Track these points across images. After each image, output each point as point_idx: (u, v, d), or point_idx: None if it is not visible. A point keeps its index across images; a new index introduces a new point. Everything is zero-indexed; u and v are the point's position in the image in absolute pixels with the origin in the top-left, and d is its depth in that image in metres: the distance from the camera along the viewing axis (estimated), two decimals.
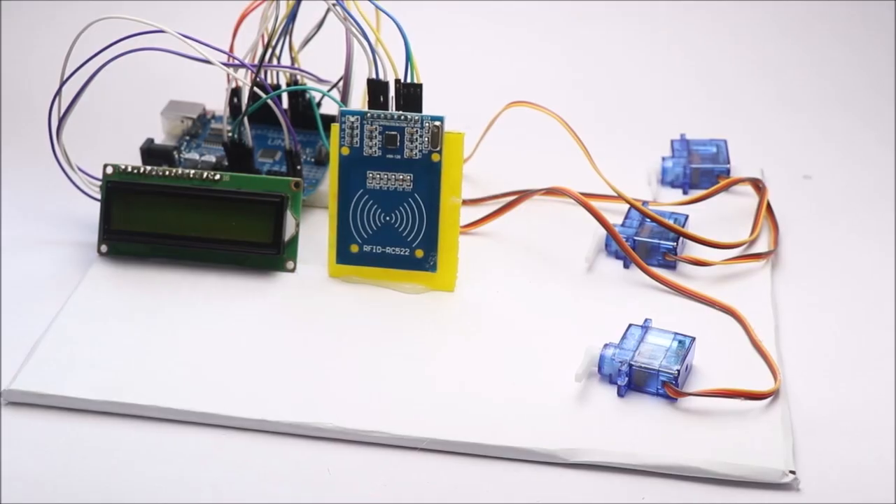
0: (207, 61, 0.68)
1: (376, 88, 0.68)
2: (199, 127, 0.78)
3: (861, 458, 0.60)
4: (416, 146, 0.67)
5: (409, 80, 0.67)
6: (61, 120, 0.70)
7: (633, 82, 0.90)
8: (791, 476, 0.58)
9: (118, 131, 0.79)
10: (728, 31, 0.94)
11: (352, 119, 0.67)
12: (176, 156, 0.75)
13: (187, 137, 0.77)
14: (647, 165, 0.78)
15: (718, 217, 0.74)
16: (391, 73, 0.68)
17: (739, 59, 0.92)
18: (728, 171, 0.77)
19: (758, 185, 0.75)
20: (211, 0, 0.89)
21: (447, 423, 0.60)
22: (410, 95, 0.67)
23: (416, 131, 0.67)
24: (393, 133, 0.67)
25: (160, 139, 0.77)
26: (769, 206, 0.74)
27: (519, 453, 0.59)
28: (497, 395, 0.62)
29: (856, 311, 0.69)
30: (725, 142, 0.79)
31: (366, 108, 0.68)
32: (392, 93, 0.68)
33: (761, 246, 0.72)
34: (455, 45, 0.92)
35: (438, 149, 0.67)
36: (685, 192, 0.77)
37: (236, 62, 0.71)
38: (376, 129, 0.67)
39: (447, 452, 0.60)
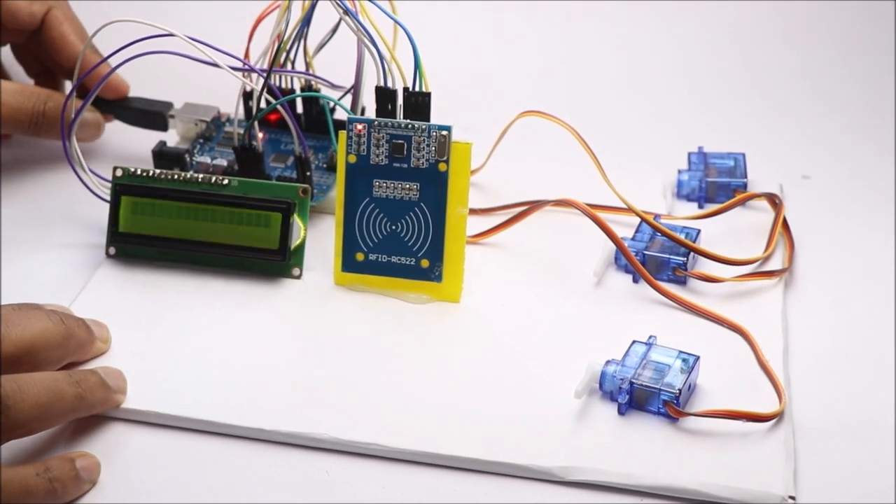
0: (216, 65, 0.68)
1: (384, 96, 0.68)
2: (213, 130, 0.78)
3: (866, 483, 0.59)
4: (422, 155, 0.67)
5: (417, 89, 0.67)
6: (73, 121, 0.70)
7: (653, 93, 0.89)
8: (791, 502, 0.57)
9: (131, 133, 0.79)
10: (753, 42, 0.93)
11: (359, 127, 0.67)
12: (188, 159, 0.75)
13: (201, 140, 0.77)
14: (663, 178, 0.77)
15: (733, 232, 0.73)
16: (400, 81, 0.67)
17: (761, 71, 0.90)
18: (745, 186, 0.76)
19: (774, 201, 0.74)
20: (228, 2, 0.89)
21: (445, 436, 0.60)
22: (418, 104, 0.67)
23: (424, 140, 0.66)
24: (400, 142, 0.67)
25: (174, 141, 0.77)
26: (785, 223, 0.72)
27: (514, 469, 0.59)
28: (496, 409, 0.62)
29: (868, 333, 0.67)
30: (743, 155, 0.77)
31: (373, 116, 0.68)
32: (400, 101, 0.68)
33: (775, 263, 0.71)
34: (466, 53, 0.91)
35: (445, 158, 0.66)
36: (700, 206, 0.76)
37: (247, 66, 0.70)
38: (383, 137, 0.67)
39: (444, 467, 0.59)
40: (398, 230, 0.68)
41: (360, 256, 0.68)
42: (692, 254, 0.69)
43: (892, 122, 0.85)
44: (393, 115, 0.68)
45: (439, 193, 0.67)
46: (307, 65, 0.74)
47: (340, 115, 0.76)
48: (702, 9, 0.94)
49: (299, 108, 0.77)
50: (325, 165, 0.76)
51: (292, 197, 0.69)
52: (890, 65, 0.89)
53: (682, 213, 0.75)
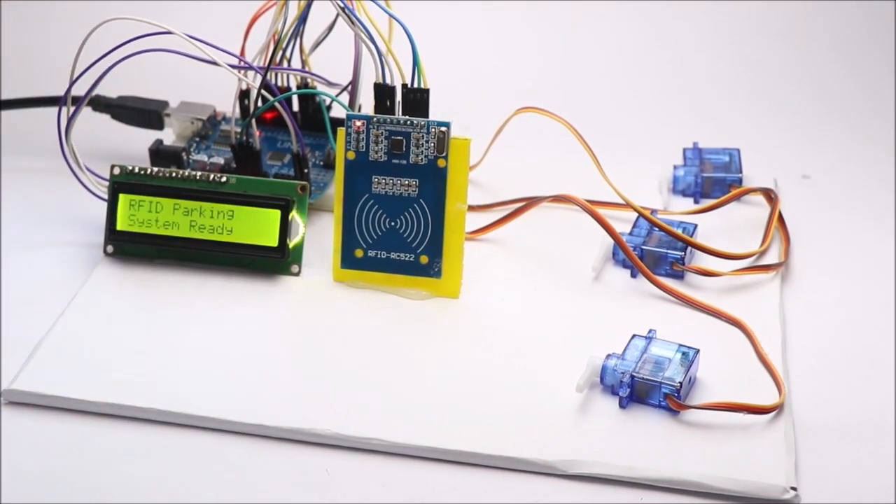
0: (214, 63, 0.68)
1: (383, 93, 0.68)
2: (209, 129, 0.78)
3: (865, 475, 0.59)
4: (421, 151, 0.67)
5: (416, 85, 0.67)
6: (70, 119, 0.70)
7: (648, 89, 0.89)
8: (793, 493, 0.57)
9: (127, 132, 0.79)
10: (748, 38, 0.94)
11: (358, 123, 0.67)
12: (184, 157, 0.75)
13: (197, 139, 0.77)
14: (659, 173, 0.78)
15: (729, 227, 0.73)
16: (398, 78, 0.67)
17: (756, 67, 0.91)
18: (740, 181, 0.76)
19: (770, 196, 0.74)
20: (223, 1, 0.89)
21: (446, 431, 0.60)
22: (417, 100, 0.67)
23: (422, 136, 0.66)
24: (399, 138, 0.67)
25: (170, 140, 0.77)
26: (781, 217, 0.73)
27: (517, 464, 0.59)
28: (498, 403, 0.62)
29: (865, 325, 0.68)
30: (738, 151, 0.78)
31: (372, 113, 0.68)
32: (399, 97, 0.68)
33: (771, 257, 0.72)
34: (464, 50, 0.91)
35: (444, 154, 0.67)
36: (696, 201, 0.76)
37: (244, 64, 0.70)
38: (382, 133, 0.67)
39: (446, 461, 0.59)
40: (397, 226, 0.68)
41: (359, 253, 0.68)
42: (689, 248, 0.70)
43: (886, 116, 0.86)
44: (392, 111, 0.69)
45: (438, 189, 0.67)
46: (303, 62, 0.74)
47: (336, 112, 0.76)
48: (697, 5, 0.94)
49: (295, 107, 0.77)
50: (321, 163, 0.76)
51: (291, 194, 0.69)
52: (881, 57, 0.90)
53: (679, 209, 0.75)
